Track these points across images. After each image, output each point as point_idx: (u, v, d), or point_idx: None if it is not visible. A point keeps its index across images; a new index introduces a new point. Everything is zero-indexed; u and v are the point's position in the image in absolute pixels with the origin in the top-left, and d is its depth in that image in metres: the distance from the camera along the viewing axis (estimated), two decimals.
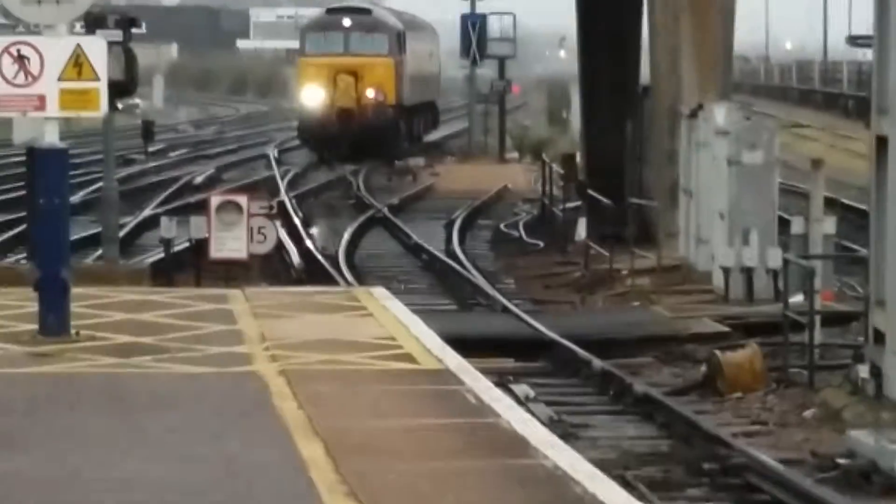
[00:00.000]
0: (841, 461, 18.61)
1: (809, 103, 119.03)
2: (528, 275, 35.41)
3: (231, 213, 30.36)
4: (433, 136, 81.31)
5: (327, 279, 32.11)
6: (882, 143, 22.96)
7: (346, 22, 57.05)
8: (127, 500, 11.65)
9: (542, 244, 40.66)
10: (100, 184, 33.55)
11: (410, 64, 67.23)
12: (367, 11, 58.49)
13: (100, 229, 32.29)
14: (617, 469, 15.89)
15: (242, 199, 32.09)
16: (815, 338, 24.48)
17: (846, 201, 32.80)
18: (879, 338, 22.79)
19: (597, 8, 48.28)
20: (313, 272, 33.32)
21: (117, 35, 26.15)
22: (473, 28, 66.02)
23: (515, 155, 67.33)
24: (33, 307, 19.50)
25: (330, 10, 60.20)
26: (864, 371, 22.96)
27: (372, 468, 12.37)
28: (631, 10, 42.84)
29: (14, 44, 18.60)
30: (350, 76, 54.50)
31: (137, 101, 42.18)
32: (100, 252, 30.74)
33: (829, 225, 29.36)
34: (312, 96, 54.97)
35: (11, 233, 39.13)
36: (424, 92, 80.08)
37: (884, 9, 23.02)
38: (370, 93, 54.76)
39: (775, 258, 29.50)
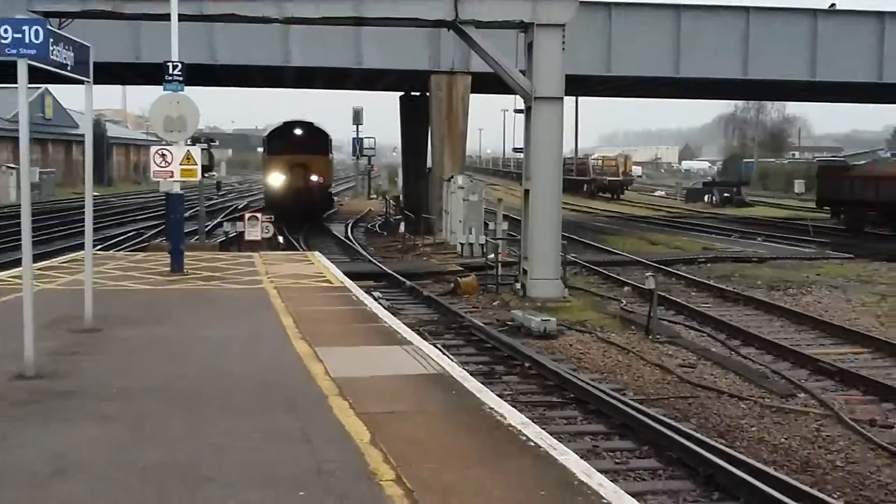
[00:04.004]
0: (509, 323, 18.77)
1: (498, 175, 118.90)
2: (379, 246, 34.89)
3: (253, 220, 30.06)
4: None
5: (295, 248, 31.77)
6: (527, 192, 23.07)
7: (298, 131, 48.00)
8: (209, 337, 11.66)
9: (385, 234, 40.20)
10: (197, 208, 33.08)
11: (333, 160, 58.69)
12: (310, 124, 49.23)
13: (196, 227, 31.92)
14: (416, 326, 15.94)
15: (259, 214, 31.82)
16: (499, 272, 24.63)
17: (513, 216, 33.00)
18: (525, 272, 22.97)
19: (408, 134, 47.89)
20: (290, 246, 32.92)
21: (205, 145, 25.95)
22: (357, 142, 65.64)
23: (375, 196, 66.87)
24: (168, 260, 19.35)
25: (286, 123, 49.68)
26: (518, 286, 23.18)
27: (312, 327, 12.53)
28: (423, 134, 42.42)
29: (161, 148, 18.43)
30: (301, 167, 45.77)
31: (214, 173, 41.41)
32: (197, 237, 30.37)
33: (504, 226, 29.69)
34: (275, 180, 46.05)
35: (158, 228, 38.63)
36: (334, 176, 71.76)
37: (528, 136, 23.18)
38: (314, 178, 46.32)
39: (482, 239, 29.67)
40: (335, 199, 60.24)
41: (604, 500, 6.27)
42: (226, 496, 6.26)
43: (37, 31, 9.46)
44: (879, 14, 36.75)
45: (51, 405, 8.56)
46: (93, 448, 7.30)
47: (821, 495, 9.13)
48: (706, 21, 35.89)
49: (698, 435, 11.10)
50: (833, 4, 37.62)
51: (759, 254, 32.08)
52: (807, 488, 9.28)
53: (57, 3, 20.40)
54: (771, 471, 9.83)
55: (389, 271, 25.96)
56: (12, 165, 61.86)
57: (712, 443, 10.79)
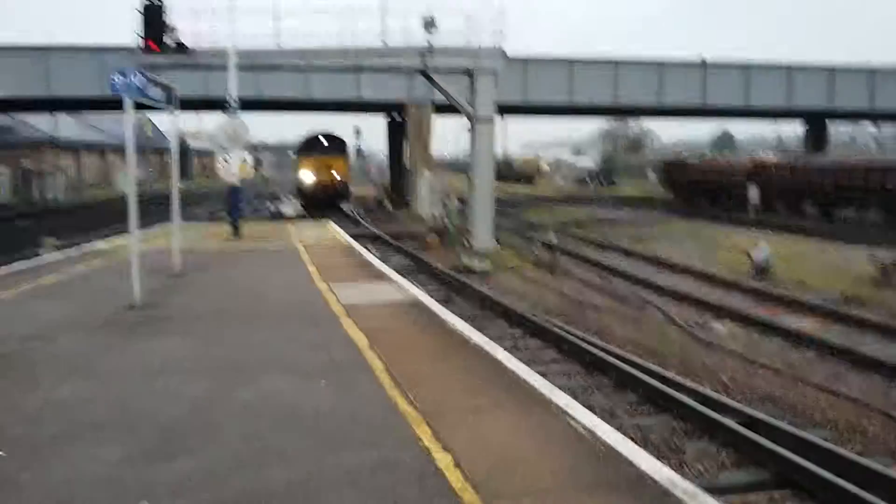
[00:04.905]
0: (460, 266, 18.63)
1: (454, 170, 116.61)
2: (374, 218, 34.38)
3: (289, 201, 29.79)
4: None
5: (316, 219, 31.32)
6: (472, 181, 22.95)
7: (323, 139, 40.52)
8: (258, 278, 11.51)
9: (378, 209, 39.74)
10: (249, 194, 32.51)
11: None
12: (333, 135, 41.40)
13: (249, 207, 31.37)
14: (398, 270, 15.82)
15: (292, 197, 31.51)
16: (454, 233, 24.47)
17: (464, 197, 32.72)
18: (472, 233, 22.92)
19: (392, 144, 47.28)
20: (313, 219, 32.44)
21: (254, 152, 25.44)
22: (359, 150, 64.43)
23: (373, 186, 65.90)
24: (230, 229, 19.11)
25: (314, 134, 41.39)
26: (467, 242, 23.12)
27: (328, 270, 12.38)
28: (400, 142, 41.91)
29: (223, 155, 18.14)
30: (326, 167, 39.28)
31: (261, 171, 39.39)
32: (249, 213, 29.94)
33: (457, 203, 29.37)
34: (306, 176, 39.28)
35: (223, 208, 38.03)
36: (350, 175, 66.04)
37: (472, 144, 23.02)
38: (336, 175, 39.40)
39: (442, 212, 29.47)
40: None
41: (521, 378, 6.32)
42: (270, 382, 6.24)
43: (139, 77, 9.32)
44: (703, 65, 36.98)
45: (152, 325, 8.47)
46: (180, 352, 7.26)
47: (662, 370, 9.23)
48: (589, 68, 35.92)
49: (583, 335, 11.18)
50: (704, 60, 37.37)
51: (624, 218, 32.24)
52: (653, 367, 9.37)
53: (153, 58, 19.91)
54: (630, 356, 9.92)
55: (380, 234, 25.62)
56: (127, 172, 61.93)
57: (592, 339, 10.86)
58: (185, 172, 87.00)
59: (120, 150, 70.76)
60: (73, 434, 5.12)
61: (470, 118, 22.55)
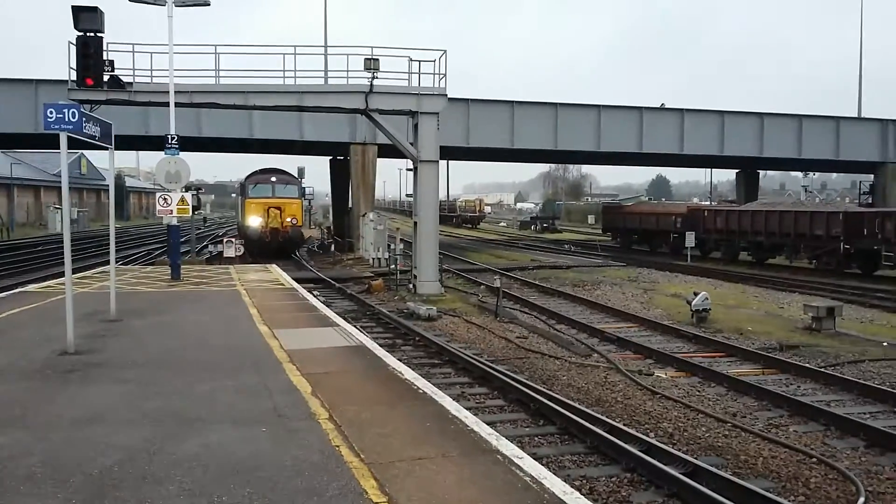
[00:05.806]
0: (405, 310, 18.60)
1: (396, 212, 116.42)
2: (317, 260, 33.87)
3: (230, 243, 29.29)
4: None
5: (258, 262, 30.77)
6: (416, 224, 22.97)
7: (273, 178, 36.57)
8: (199, 323, 11.25)
9: (321, 252, 39.20)
10: (188, 235, 31.89)
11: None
12: (284, 171, 38.43)
13: (189, 248, 30.70)
14: (342, 314, 15.61)
15: (234, 239, 30.97)
16: (398, 277, 24.44)
17: (407, 239, 32.65)
18: (415, 277, 22.78)
19: (336, 184, 46.99)
20: (255, 260, 31.84)
21: (195, 192, 24.94)
22: (303, 190, 63.50)
23: (314, 227, 65.04)
24: (169, 271, 18.67)
25: (262, 170, 37.96)
26: (411, 286, 22.99)
27: (271, 315, 12.18)
28: (346, 185, 41.62)
29: (163, 194, 17.75)
30: (276, 210, 34.95)
31: (201, 211, 38.20)
32: (189, 255, 29.23)
33: (401, 246, 29.16)
34: (253, 221, 34.18)
35: (162, 249, 37.10)
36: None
37: (415, 186, 23.10)
38: (289, 219, 35.04)
39: (385, 254, 29.41)
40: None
41: (468, 427, 6.29)
42: (209, 431, 6.08)
43: (73, 112, 9.10)
44: (639, 109, 38.16)
45: (86, 372, 8.18)
46: (115, 401, 7.01)
47: (607, 419, 9.28)
48: (530, 111, 36.61)
49: (529, 382, 11.19)
50: (663, 104, 38.49)
51: (566, 263, 32.69)
52: (598, 415, 9.44)
53: (89, 93, 19.56)
54: (576, 404, 9.97)
55: (324, 277, 25.32)
56: (58, 206, 60.81)
57: (538, 387, 10.88)
58: (121, 212, 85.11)
59: (54, 187, 69.08)
60: (3, 486, 4.87)
61: (413, 160, 22.68)
